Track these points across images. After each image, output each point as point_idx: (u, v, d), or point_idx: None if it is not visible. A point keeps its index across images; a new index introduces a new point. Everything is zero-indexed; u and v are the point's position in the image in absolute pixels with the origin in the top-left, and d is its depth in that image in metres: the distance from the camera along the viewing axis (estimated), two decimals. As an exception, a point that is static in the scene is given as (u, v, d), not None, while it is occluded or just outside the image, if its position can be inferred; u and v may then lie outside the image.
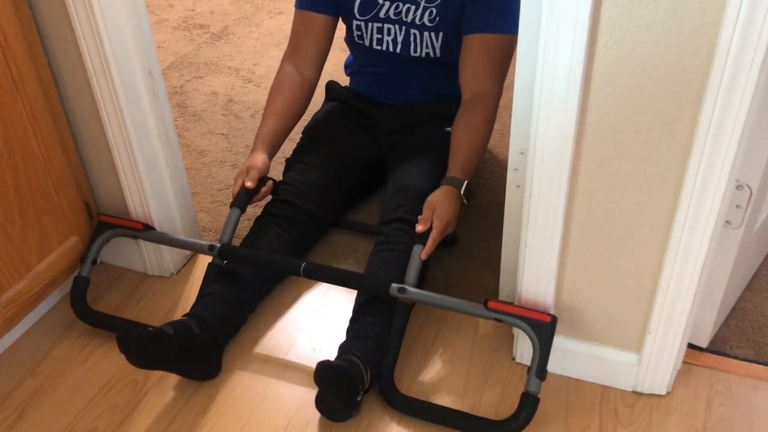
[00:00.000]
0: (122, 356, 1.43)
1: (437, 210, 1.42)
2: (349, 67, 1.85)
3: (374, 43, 1.65)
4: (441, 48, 1.61)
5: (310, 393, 1.36)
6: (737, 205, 1.22)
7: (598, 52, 1.02)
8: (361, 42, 1.67)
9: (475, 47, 1.53)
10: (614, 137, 1.09)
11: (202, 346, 1.34)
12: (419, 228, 1.40)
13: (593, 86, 1.05)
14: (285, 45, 2.68)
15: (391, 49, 1.64)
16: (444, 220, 1.41)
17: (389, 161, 1.69)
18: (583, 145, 1.11)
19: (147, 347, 1.22)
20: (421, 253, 1.38)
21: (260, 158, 1.55)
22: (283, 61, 1.69)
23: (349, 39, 1.74)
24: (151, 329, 1.24)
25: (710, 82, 0.98)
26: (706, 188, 1.07)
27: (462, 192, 1.46)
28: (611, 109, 1.06)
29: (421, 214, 1.42)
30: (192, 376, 1.38)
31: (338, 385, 1.21)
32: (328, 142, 1.69)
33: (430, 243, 1.39)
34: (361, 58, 1.76)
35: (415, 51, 1.62)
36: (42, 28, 1.38)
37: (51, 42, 1.39)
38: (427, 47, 1.61)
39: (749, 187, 1.20)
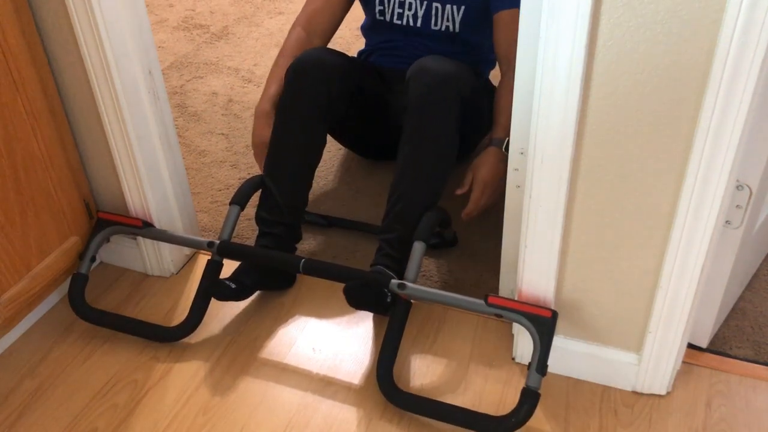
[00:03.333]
0: (122, 356, 1.44)
1: (477, 172, 1.51)
2: (363, 53, 1.88)
3: (395, 17, 1.70)
4: (461, 22, 1.66)
5: (309, 394, 1.36)
6: (737, 205, 1.22)
7: (598, 52, 1.02)
8: (383, 18, 1.72)
9: (507, 22, 1.59)
10: (614, 137, 1.09)
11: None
12: (458, 191, 1.51)
13: (593, 86, 1.05)
14: (285, 45, 2.69)
15: (411, 24, 1.69)
16: (483, 181, 1.50)
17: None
18: (583, 145, 1.11)
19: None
20: (422, 250, 1.38)
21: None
22: (295, 25, 1.73)
23: (369, 19, 1.79)
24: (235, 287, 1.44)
25: (710, 82, 0.98)
26: (706, 188, 1.07)
27: (504, 148, 1.53)
28: (611, 109, 1.06)
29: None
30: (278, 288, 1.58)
31: (368, 299, 1.37)
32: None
33: (471, 206, 1.51)
34: (379, 36, 1.80)
35: (435, 24, 1.68)
36: (42, 28, 1.38)
37: (51, 42, 1.39)
38: (447, 20, 1.66)
39: (749, 187, 1.20)
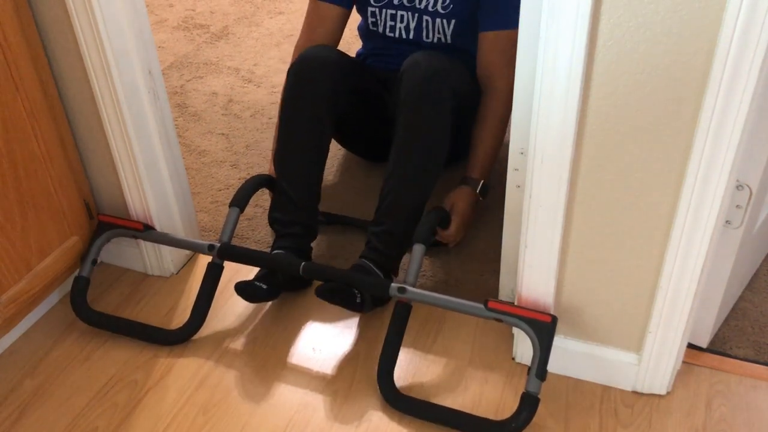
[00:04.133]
0: (122, 356, 1.44)
1: (455, 206, 1.56)
2: (360, 56, 1.88)
3: (387, 30, 1.71)
4: (452, 35, 1.66)
5: (309, 393, 1.36)
6: (737, 205, 1.22)
7: (598, 52, 1.02)
8: (375, 29, 1.73)
9: (491, 45, 1.59)
10: (614, 137, 1.09)
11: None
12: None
13: (593, 86, 1.05)
14: (285, 45, 2.70)
15: (404, 36, 1.70)
16: (461, 216, 1.55)
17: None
18: (583, 145, 1.11)
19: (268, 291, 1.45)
20: (422, 252, 1.39)
21: None
22: (296, 50, 1.75)
23: (363, 28, 1.80)
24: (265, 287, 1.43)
25: (710, 82, 0.98)
26: (706, 188, 1.07)
27: (478, 191, 1.58)
28: (611, 109, 1.06)
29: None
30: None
31: (338, 300, 1.39)
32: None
33: (449, 238, 1.58)
34: (373, 43, 1.81)
35: (428, 37, 1.68)
36: (42, 28, 1.38)
37: (51, 42, 1.39)
38: (438, 33, 1.66)
39: (749, 187, 1.20)
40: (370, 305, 1.44)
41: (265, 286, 1.43)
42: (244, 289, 1.42)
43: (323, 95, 1.54)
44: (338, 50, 1.61)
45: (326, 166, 1.97)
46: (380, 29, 1.72)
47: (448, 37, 1.66)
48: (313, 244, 1.60)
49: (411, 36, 1.69)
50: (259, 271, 1.50)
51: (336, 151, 2.05)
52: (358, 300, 1.39)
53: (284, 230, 1.53)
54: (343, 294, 1.38)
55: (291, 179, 1.54)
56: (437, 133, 1.49)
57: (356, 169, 1.99)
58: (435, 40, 1.68)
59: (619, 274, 1.22)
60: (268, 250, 1.69)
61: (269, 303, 1.56)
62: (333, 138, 1.92)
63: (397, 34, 1.70)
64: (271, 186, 1.64)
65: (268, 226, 1.77)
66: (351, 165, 2.01)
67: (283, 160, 1.56)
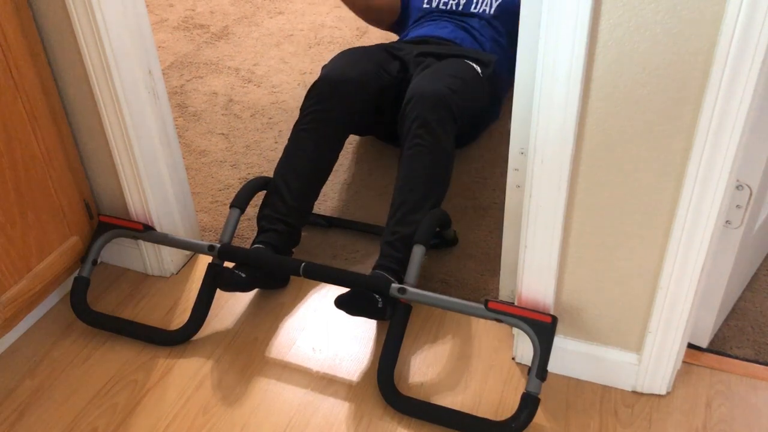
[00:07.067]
0: (122, 356, 1.44)
1: None
2: (403, 38, 2.07)
3: (440, 3, 2.04)
4: (497, 8, 1.99)
5: (310, 393, 1.36)
6: (737, 205, 1.22)
7: (598, 52, 1.02)
8: (429, 6, 2.05)
9: None
10: (614, 137, 1.09)
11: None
12: None
13: (593, 86, 1.05)
14: (285, 45, 2.70)
15: (453, 8, 2.03)
16: None
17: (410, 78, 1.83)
18: (583, 145, 1.11)
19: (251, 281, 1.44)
20: (422, 253, 1.38)
21: None
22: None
23: (412, 17, 2.08)
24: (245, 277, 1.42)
25: (710, 82, 0.98)
26: (706, 188, 1.07)
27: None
28: (611, 109, 1.06)
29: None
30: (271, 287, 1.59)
31: (360, 307, 1.36)
32: (361, 51, 1.80)
33: None
34: (417, 21, 2.07)
35: (475, 7, 2.01)
36: (42, 28, 1.38)
37: (51, 42, 1.39)
38: (485, 4, 2.00)
39: (749, 187, 1.20)
40: (391, 310, 1.38)
41: (243, 275, 1.41)
42: (220, 274, 1.42)
43: (341, 119, 1.62)
44: (360, 62, 1.68)
45: (326, 166, 1.98)
46: (433, 4, 2.02)
47: (493, 8, 1.91)
48: (318, 247, 1.60)
49: (461, 7, 2.00)
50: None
51: (336, 151, 2.05)
52: (380, 305, 1.35)
53: (269, 226, 1.54)
54: (363, 300, 1.35)
55: (291, 182, 1.56)
56: (443, 155, 1.54)
57: (356, 169, 1.99)
58: (480, 10, 1.99)
59: (619, 274, 1.22)
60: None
61: (269, 303, 1.56)
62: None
63: (448, 6, 2.01)
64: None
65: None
66: (351, 165, 2.01)
67: (287, 165, 1.59)
